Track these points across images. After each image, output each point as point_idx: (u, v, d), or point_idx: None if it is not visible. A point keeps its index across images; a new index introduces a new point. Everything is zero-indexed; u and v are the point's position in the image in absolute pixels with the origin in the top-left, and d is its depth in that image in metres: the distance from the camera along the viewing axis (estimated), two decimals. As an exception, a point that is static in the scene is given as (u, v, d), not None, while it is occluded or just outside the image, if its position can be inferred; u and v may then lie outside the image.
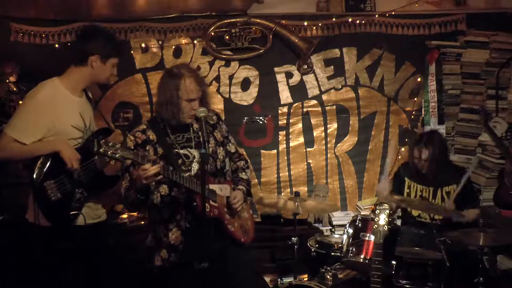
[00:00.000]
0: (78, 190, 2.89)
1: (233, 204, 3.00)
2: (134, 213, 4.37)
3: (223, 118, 4.46)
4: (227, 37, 4.56)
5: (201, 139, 2.78)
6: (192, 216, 2.88)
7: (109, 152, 2.53)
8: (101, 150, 2.52)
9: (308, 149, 4.86)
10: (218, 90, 4.69)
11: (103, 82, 3.11)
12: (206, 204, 2.82)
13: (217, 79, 4.69)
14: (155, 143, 2.92)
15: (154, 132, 2.94)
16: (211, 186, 2.94)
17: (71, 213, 2.85)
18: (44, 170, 2.81)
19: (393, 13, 4.66)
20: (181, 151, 2.94)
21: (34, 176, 2.79)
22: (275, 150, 4.82)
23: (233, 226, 3.02)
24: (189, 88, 2.88)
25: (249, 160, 3.34)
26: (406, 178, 4.04)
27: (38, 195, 2.81)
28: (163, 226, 2.93)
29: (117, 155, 2.55)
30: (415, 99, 4.85)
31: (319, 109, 4.83)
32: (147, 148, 2.89)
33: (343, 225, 3.80)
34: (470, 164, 4.45)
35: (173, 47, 4.59)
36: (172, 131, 2.97)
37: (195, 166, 2.94)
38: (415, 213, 3.96)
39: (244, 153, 3.31)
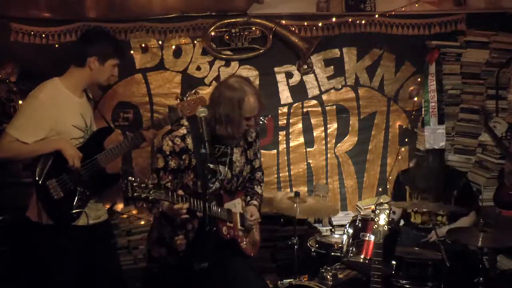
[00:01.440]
0: (80, 189, 2.89)
1: (250, 222, 2.98)
2: (134, 213, 4.38)
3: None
4: (227, 37, 4.56)
5: (203, 138, 2.75)
6: (201, 231, 2.77)
7: (142, 196, 2.50)
8: (135, 194, 2.48)
9: (308, 149, 4.86)
10: (218, 90, 4.69)
11: (103, 83, 3.10)
12: (224, 227, 2.85)
13: (217, 79, 4.67)
14: (191, 153, 2.82)
15: (192, 139, 2.82)
16: (226, 205, 2.91)
17: (74, 211, 2.86)
18: (46, 168, 2.81)
19: (393, 13, 4.66)
20: (211, 166, 2.78)
21: (36, 175, 2.80)
22: (275, 150, 4.82)
23: (245, 244, 3.00)
24: (252, 107, 2.77)
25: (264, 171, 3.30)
26: (407, 187, 4.05)
27: (41, 193, 2.81)
28: (171, 228, 2.89)
29: (150, 198, 2.52)
30: (415, 99, 4.85)
31: (319, 109, 4.82)
32: (183, 157, 2.81)
33: (343, 225, 3.80)
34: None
35: (173, 47, 4.59)
36: (213, 141, 2.81)
37: (217, 184, 2.89)
38: (417, 220, 3.97)
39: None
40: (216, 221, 2.79)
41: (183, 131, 2.84)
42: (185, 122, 2.91)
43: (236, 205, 2.98)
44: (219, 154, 2.91)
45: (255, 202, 3.07)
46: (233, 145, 2.95)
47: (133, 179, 2.51)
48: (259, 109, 2.83)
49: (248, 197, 3.10)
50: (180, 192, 2.69)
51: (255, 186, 3.15)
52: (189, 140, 2.83)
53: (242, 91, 2.77)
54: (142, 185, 2.50)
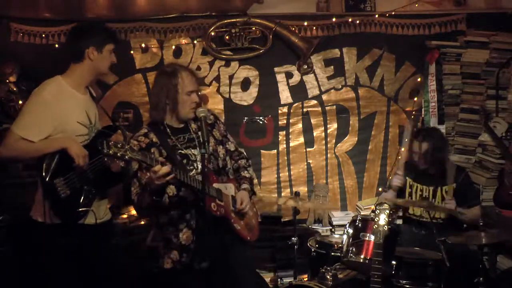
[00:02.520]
0: (86, 187, 2.89)
1: (241, 207, 2.99)
2: (134, 213, 4.37)
3: (223, 118, 4.51)
4: (227, 37, 4.57)
5: (201, 139, 2.78)
6: (201, 215, 2.85)
7: (118, 154, 2.50)
8: (110, 151, 2.49)
9: (308, 149, 4.86)
10: (218, 90, 4.69)
11: (105, 72, 3.09)
12: (213, 203, 2.84)
13: (217, 79, 4.69)
14: (158, 145, 2.91)
15: (155, 134, 2.94)
16: (216, 185, 2.94)
17: (80, 209, 2.85)
18: (53, 167, 2.81)
19: (393, 13, 4.66)
20: (184, 151, 2.94)
21: (43, 173, 2.79)
22: (275, 150, 4.82)
23: (239, 225, 3.01)
24: (186, 81, 2.91)
25: (250, 159, 3.32)
26: (407, 178, 4.05)
27: (48, 192, 2.80)
28: (172, 228, 2.90)
29: (126, 156, 2.53)
30: (415, 99, 4.85)
31: (319, 109, 4.83)
32: (152, 150, 2.89)
33: (343, 225, 3.80)
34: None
35: (173, 47, 4.59)
36: (172, 133, 2.97)
37: (198, 166, 2.93)
38: (416, 212, 3.97)
39: (244, 153, 3.29)
40: (202, 196, 2.79)
41: (144, 130, 2.99)
42: (144, 125, 3.10)
43: (227, 187, 3.01)
44: (186, 140, 2.98)
45: (244, 186, 3.11)
46: (196, 130, 3.01)
47: (110, 138, 2.57)
48: (197, 84, 2.97)
49: (238, 183, 3.13)
50: (161, 158, 2.78)
51: (242, 172, 3.19)
52: (152, 135, 2.94)
53: (172, 71, 2.92)
54: (119, 144, 2.53)
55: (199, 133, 2.99)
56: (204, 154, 2.68)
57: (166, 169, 2.62)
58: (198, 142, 2.98)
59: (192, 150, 2.96)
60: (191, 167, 2.92)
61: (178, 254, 2.89)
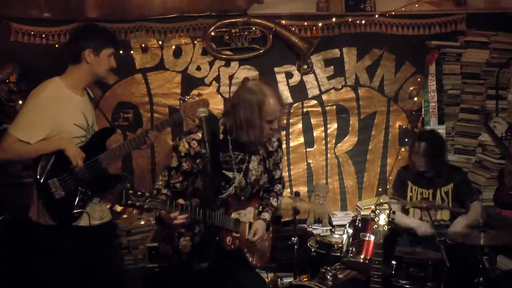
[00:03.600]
0: (81, 189, 2.88)
1: (252, 239, 2.88)
2: (134, 213, 4.38)
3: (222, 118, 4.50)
4: (227, 37, 4.57)
5: (202, 138, 2.74)
6: (206, 235, 2.78)
7: (137, 204, 2.47)
8: (129, 202, 2.46)
9: (308, 149, 4.86)
10: (218, 90, 4.69)
11: (103, 75, 3.07)
12: (229, 237, 2.80)
13: (217, 79, 4.68)
14: (206, 157, 2.71)
15: (210, 144, 2.70)
16: (235, 214, 2.85)
17: (75, 211, 2.85)
18: (48, 168, 2.81)
19: (393, 13, 4.66)
20: (227, 173, 2.79)
21: (38, 173, 2.79)
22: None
23: (251, 255, 2.93)
24: (273, 109, 2.68)
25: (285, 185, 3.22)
26: (408, 182, 4.05)
27: (42, 193, 2.80)
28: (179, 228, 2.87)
29: (145, 206, 2.49)
30: (415, 99, 4.85)
31: (319, 109, 4.83)
32: (197, 161, 2.76)
33: (343, 225, 3.80)
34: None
35: (173, 47, 4.59)
36: (231, 147, 2.79)
37: (231, 191, 2.84)
38: (416, 216, 3.98)
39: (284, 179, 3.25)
40: (220, 230, 2.75)
41: (201, 134, 2.73)
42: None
43: (247, 214, 2.91)
44: (238, 160, 2.84)
45: (265, 215, 2.98)
46: (251, 153, 2.87)
47: (129, 186, 2.50)
48: (281, 111, 2.75)
49: (261, 207, 3.03)
50: (181, 201, 2.63)
51: (271, 198, 3.06)
52: (206, 144, 2.72)
53: (261, 93, 2.68)
54: (138, 193, 2.48)
55: (253, 157, 2.88)
56: (204, 154, 2.65)
57: (182, 218, 2.58)
58: (245, 167, 2.85)
59: (236, 173, 2.83)
60: (224, 191, 2.83)
61: (171, 252, 2.88)
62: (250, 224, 2.92)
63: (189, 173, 2.79)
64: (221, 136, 2.80)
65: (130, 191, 2.47)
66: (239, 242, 2.85)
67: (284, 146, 4.81)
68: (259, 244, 2.94)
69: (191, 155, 2.76)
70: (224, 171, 2.79)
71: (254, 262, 2.96)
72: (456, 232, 3.69)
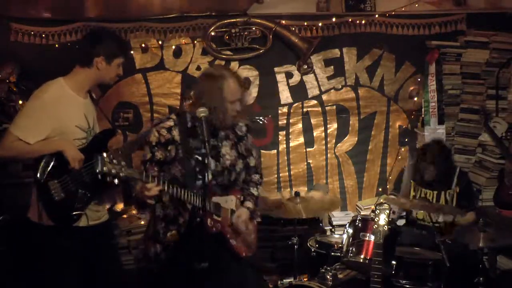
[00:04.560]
0: (81, 191, 2.88)
1: (237, 225, 2.91)
2: (134, 213, 4.38)
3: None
4: (227, 37, 4.57)
5: (197, 135, 2.75)
6: (193, 225, 2.81)
7: (113, 171, 2.48)
8: (104, 169, 2.46)
9: (308, 149, 4.86)
10: (218, 90, 4.69)
11: (108, 82, 3.10)
12: (209, 219, 2.79)
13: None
14: (178, 144, 2.84)
15: (180, 131, 2.85)
16: (216, 199, 2.87)
17: (74, 213, 2.85)
18: (48, 169, 2.81)
19: (393, 13, 4.67)
20: (200, 158, 2.83)
21: (38, 175, 2.79)
22: (275, 150, 4.82)
23: (235, 240, 2.94)
24: (233, 89, 2.81)
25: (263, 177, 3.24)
26: (411, 181, 4.05)
27: (42, 194, 2.80)
28: (164, 223, 2.90)
29: (121, 174, 2.50)
30: (415, 99, 4.85)
31: (319, 109, 4.83)
32: (168, 148, 2.83)
33: (343, 225, 3.80)
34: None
35: (173, 47, 4.59)
36: (201, 133, 2.82)
37: (207, 176, 2.81)
38: (419, 215, 3.98)
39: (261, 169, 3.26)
40: (199, 212, 2.76)
41: (170, 123, 2.88)
42: (173, 116, 2.95)
43: (228, 200, 2.94)
44: (209, 147, 2.86)
45: (248, 204, 3.02)
46: (222, 138, 2.94)
47: (105, 155, 2.51)
48: (242, 93, 2.86)
49: (243, 197, 3.07)
50: (155, 173, 2.72)
51: (251, 188, 3.11)
52: (175, 132, 2.86)
53: (220, 77, 2.81)
54: (114, 161, 2.50)
55: (225, 142, 2.95)
56: (203, 154, 2.66)
57: (156, 189, 2.60)
58: (218, 152, 2.89)
59: (210, 159, 2.82)
60: (200, 176, 2.85)
61: (159, 248, 2.89)
62: (232, 211, 2.95)
63: (163, 162, 2.85)
64: (189, 124, 2.88)
65: (106, 159, 2.48)
66: (220, 226, 2.87)
67: (284, 146, 4.82)
68: (243, 229, 2.96)
69: (162, 143, 2.84)
70: (197, 156, 2.83)
71: (239, 250, 2.96)
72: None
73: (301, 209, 3.64)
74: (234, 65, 4.67)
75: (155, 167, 2.84)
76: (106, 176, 2.54)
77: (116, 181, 2.59)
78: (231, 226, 2.93)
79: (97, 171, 2.47)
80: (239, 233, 2.97)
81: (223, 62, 4.65)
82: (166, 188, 2.64)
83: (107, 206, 3.21)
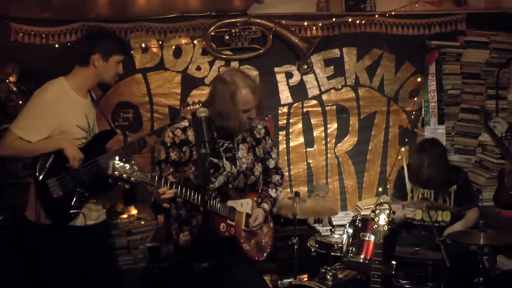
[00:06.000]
0: (79, 189, 2.89)
1: (252, 226, 2.90)
2: (134, 213, 4.38)
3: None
4: (227, 37, 4.56)
5: (202, 137, 2.74)
6: (206, 228, 2.77)
7: (124, 176, 2.47)
8: (116, 173, 2.45)
9: (308, 149, 4.86)
10: (218, 90, 4.69)
11: (109, 81, 3.09)
12: (223, 224, 2.80)
13: (217, 79, 4.68)
14: (192, 145, 2.82)
15: (195, 132, 2.82)
16: (231, 203, 2.87)
17: (71, 211, 2.86)
18: (47, 167, 2.82)
19: (393, 13, 4.66)
20: (215, 160, 2.82)
21: (37, 172, 2.80)
22: (275, 150, 4.81)
23: (248, 245, 2.92)
24: (245, 100, 2.74)
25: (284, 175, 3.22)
26: (408, 182, 4.05)
27: (40, 192, 2.82)
28: (177, 224, 2.89)
29: (132, 179, 2.49)
30: (415, 99, 4.85)
31: (319, 109, 4.82)
32: (183, 149, 2.82)
33: (343, 225, 3.80)
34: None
35: (173, 47, 4.59)
36: (216, 135, 2.85)
37: (221, 179, 2.86)
38: (417, 216, 3.98)
39: (282, 169, 3.24)
40: (214, 216, 2.75)
41: (185, 123, 2.87)
42: (188, 116, 2.93)
43: (243, 204, 2.91)
44: (223, 149, 2.88)
45: (265, 206, 2.99)
46: (238, 141, 2.92)
47: (117, 159, 2.49)
48: (256, 101, 2.80)
49: (260, 199, 3.04)
50: (171, 178, 2.70)
51: (270, 189, 3.07)
52: (190, 133, 2.84)
53: (233, 84, 2.75)
54: (126, 166, 2.48)
55: (241, 145, 2.93)
56: (204, 154, 2.65)
57: (170, 193, 2.60)
58: (233, 155, 2.88)
59: (225, 162, 2.86)
60: (215, 179, 2.85)
61: (172, 250, 2.89)
62: (247, 215, 2.92)
63: (178, 163, 2.84)
64: (205, 125, 2.82)
65: (117, 163, 2.46)
66: (234, 231, 2.85)
67: (284, 146, 4.82)
68: (257, 232, 2.95)
69: (177, 144, 2.82)
70: (211, 158, 2.78)
71: (251, 254, 2.94)
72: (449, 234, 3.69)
73: (298, 209, 3.65)
74: (234, 65, 4.67)
75: (170, 168, 2.83)
76: (116, 180, 2.53)
77: (127, 186, 2.59)
78: (245, 230, 2.91)
79: (108, 174, 2.46)
80: (252, 237, 2.96)
81: (223, 62, 4.65)
82: (178, 192, 2.64)
83: (108, 206, 3.22)
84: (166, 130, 2.86)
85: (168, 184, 2.61)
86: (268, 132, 3.07)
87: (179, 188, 2.65)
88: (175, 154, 2.83)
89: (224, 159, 2.86)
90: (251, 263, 2.95)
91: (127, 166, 2.48)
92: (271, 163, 3.10)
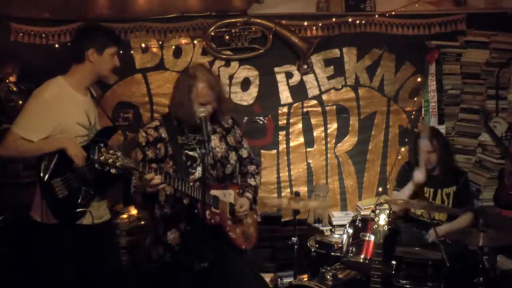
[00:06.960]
0: (84, 188, 2.89)
1: (238, 213, 2.97)
2: (134, 213, 4.38)
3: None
4: (227, 37, 4.56)
5: (204, 138, 2.76)
6: (193, 220, 2.85)
7: (109, 161, 2.50)
8: (101, 158, 2.49)
9: (308, 149, 4.86)
10: (218, 90, 4.69)
11: (107, 74, 3.10)
12: (208, 211, 2.81)
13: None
14: (166, 141, 2.93)
15: (166, 130, 2.94)
16: (214, 192, 2.91)
17: (78, 210, 2.86)
18: (51, 167, 2.82)
19: (393, 13, 4.66)
20: (190, 153, 2.93)
21: (41, 172, 2.80)
22: (275, 150, 4.82)
23: (234, 233, 2.97)
24: (201, 93, 2.86)
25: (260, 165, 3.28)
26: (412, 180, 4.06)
27: (45, 192, 2.82)
28: (163, 224, 2.93)
29: (118, 164, 2.52)
30: (415, 99, 4.85)
31: (319, 109, 4.82)
32: (158, 146, 2.91)
33: (343, 225, 3.80)
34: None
35: (173, 47, 4.59)
36: (188, 130, 2.97)
37: (199, 170, 2.91)
38: (418, 212, 3.98)
39: (256, 159, 3.28)
40: (197, 203, 2.79)
41: (155, 123, 3.00)
42: (158, 116, 3.10)
43: (226, 194, 2.98)
44: (196, 141, 2.96)
45: (247, 194, 3.08)
46: (209, 132, 2.97)
47: (102, 145, 2.57)
48: (215, 96, 2.90)
49: (241, 190, 3.11)
50: (154, 165, 2.78)
51: (248, 179, 3.17)
52: (162, 130, 2.94)
53: (193, 77, 2.88)
54: (111, 151, 2.53)
55: (213, 136, 2.99)
56: (204, 155, 2.68)
57: (158, 179, 2.63)
58: (207, 144, 2.93)
59: (198, 153, 2.94)
60: (194, 170, 2.91)
61: (162, 251, 2.91)
62: (231, 204, 2.98)
63: (155, 161, 2.91)
64: (175, 123, 2.97)
65: (103, 148, 2.52)
66: (219, 218, 2.89)
67: (284, 146, 4.81)
68: (243, 220, 3.01)
69: (151, 142, 2.92)
70: (187, 151, 2.92)
71: (238, 242, 2.98)
72: (433, 235, 3.69)
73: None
74: (234, 65, 4.68)
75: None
76: (103, 165, 2.57)
77: (113, 170, 2.62)
78: (230, 218, 2.95)
79: (94, 159, 2.53)
80: (238, 225, 3.00)
81: (223, 62, 4.65)
82: (163, 178, 2.67)
83: (108, 205, 3.22)
84: (139, 132, 2.97)
85: (153, 171, 2.65)
86: (236, 122, 3.18)
87: (163, 175, 2.68)
88: (151, 152, 2.93)
89: (198, 150, 2.94)
90: (239, 252, 2.99)
91: (113, 151, 2.54)
92: (244, 153, 3.19)
